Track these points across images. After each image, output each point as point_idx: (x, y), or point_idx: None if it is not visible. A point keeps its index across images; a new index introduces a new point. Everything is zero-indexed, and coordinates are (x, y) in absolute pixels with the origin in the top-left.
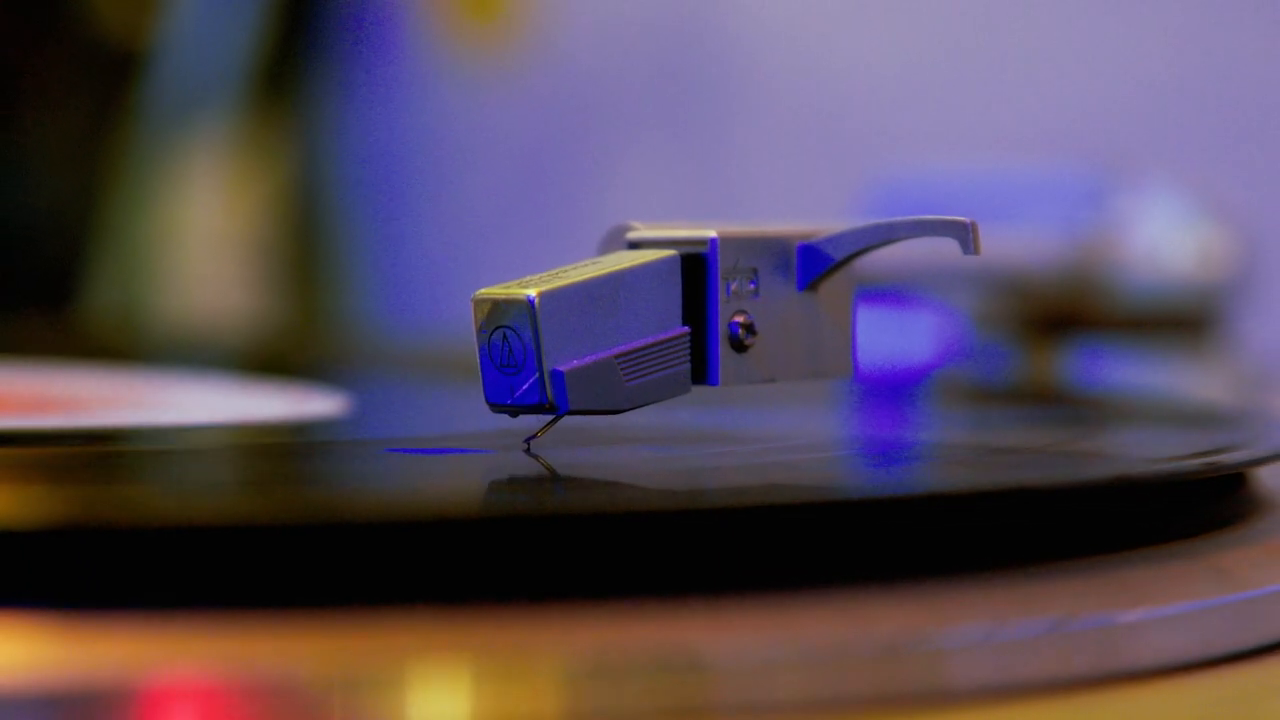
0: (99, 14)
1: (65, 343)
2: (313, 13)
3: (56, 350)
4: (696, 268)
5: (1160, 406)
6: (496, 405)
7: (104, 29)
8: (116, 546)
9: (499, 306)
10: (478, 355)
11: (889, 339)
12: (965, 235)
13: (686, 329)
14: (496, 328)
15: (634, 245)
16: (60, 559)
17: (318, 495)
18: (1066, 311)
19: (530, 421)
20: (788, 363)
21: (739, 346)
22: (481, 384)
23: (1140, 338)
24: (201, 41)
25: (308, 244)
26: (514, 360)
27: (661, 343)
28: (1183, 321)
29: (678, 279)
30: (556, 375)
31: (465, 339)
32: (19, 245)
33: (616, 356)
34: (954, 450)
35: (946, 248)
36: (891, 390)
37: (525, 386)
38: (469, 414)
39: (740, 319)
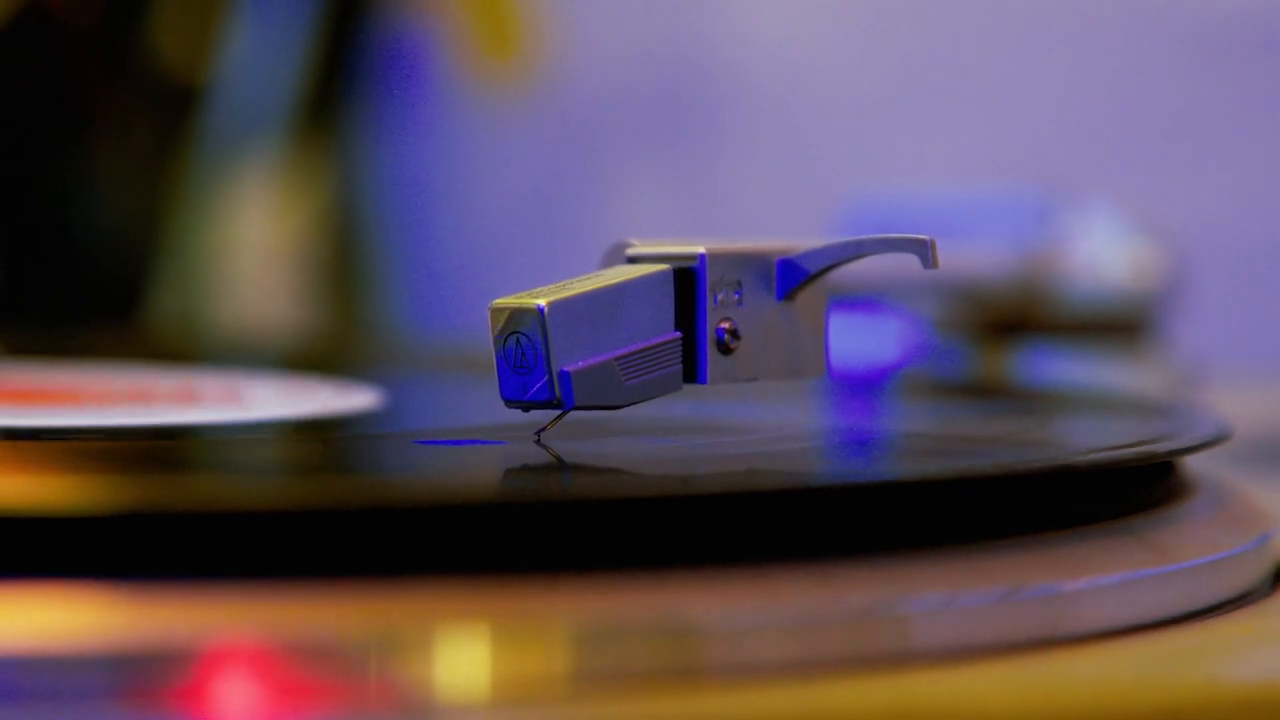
0: (161, 52)
1: (133, 347)
2: (352, 53)
3: (125, 353)
4: (688, 280)
5: (1099, 400)
6: (511, 401)
7: (166, 66)
8: (179, 526)
9: (513, 314)
10: (494, 357)
11: (859, 342)
12: (925, 251)
13: (678, 334)
14: (511, 333)
15: (632, 260)
16: (130, 537)
17: (356, 480)
18: (1016, 317)
19: (540, 416)
20: (768, 364)
21: (725, 350)
22: (498, 383)
23: (1082, 340)
24: (253, 77)
25: (347, 257)
26: (526, 362)
27: (656, 346)
28: (1120, 326)
29: (671, 290)
30: (564, 375)
31: (484, 343)
32: (90, 260)
33: (617, 358)
34: (917, 440)
35: (909, 262)
36: (861, 387)
37: (536, 385)
38: (487, 409)
39: (726, 325)
